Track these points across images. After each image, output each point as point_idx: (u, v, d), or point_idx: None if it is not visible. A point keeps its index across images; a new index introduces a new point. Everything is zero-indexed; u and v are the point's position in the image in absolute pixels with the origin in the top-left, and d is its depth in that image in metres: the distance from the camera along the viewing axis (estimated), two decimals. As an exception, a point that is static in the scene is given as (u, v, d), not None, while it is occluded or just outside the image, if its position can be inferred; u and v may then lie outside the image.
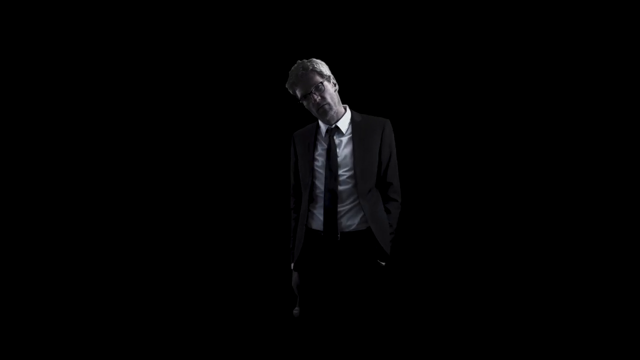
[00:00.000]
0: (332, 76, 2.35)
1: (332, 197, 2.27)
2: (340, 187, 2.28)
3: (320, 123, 2.40)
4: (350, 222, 2.28)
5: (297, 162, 2.43)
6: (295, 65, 2.33)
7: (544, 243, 3.08)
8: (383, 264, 2.31)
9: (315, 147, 2.36)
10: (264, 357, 3.05)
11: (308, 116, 2.47)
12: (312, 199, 2.33)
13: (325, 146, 2.34)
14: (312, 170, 2.33)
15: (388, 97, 3.17)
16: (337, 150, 2.32)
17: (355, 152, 2.30)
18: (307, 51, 2.55)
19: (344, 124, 2.36)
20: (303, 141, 2.41)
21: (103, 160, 3.35)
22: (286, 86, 2.37)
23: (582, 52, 3.04)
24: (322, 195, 2.30)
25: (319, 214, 2.30)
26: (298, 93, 2.34)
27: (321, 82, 2.30)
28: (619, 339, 2.91)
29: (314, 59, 2.33)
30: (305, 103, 2.35)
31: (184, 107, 3.37)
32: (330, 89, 2.33)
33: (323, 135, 2.37)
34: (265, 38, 3.29)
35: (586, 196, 3.04)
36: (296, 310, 2.39)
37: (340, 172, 2.29)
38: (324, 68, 2.32)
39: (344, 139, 2.34)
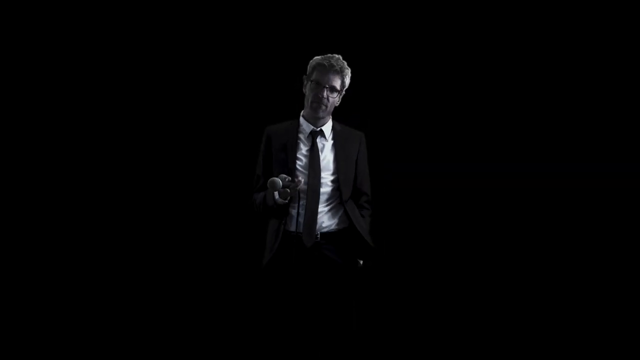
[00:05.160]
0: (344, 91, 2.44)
1: (315, 197, 2.32)
2: (323, 189, 2.34)
3: (302, 122, 2.43)
4: (329, 222, 2.35)
5: (270, 156, 2.40)
6: (339, 56, 2.37)
7: (519, 240, 3.23)
8: (361, 262, 2.42)
9: (297, 147, 2.39)
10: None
11: (270, 113, 2.55)
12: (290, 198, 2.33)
13: (308, 147, 2.39)
14: (292, 169, 2.33)
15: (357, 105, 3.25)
16: (321, 153, 2.38)
17: (338, 159, 2.39)
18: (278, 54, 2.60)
19: (327, 129, 2.44)
20: (281, 138, 2.40)
21: (70, 159, 3.29)
22: (313, 62, 2.37)
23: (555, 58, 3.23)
24: (302, 195, 2.30)
25: (295, 214, 2.31)
26: (315, 76, 2.35)
27: (338, 90, 2.38)
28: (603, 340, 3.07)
29: (349, 69, 2.39)
30: (310, 85, 2.37)
31: (144, 103, 3.33)
32: (337, 99, 2.42)
33: (306, 135, 2.41)
34: (226, 40, 3.32)
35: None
36: None
37: (323, 174, 2.35)
38: (348, 80, 2.40)
39: (327, 144, 2.42)
